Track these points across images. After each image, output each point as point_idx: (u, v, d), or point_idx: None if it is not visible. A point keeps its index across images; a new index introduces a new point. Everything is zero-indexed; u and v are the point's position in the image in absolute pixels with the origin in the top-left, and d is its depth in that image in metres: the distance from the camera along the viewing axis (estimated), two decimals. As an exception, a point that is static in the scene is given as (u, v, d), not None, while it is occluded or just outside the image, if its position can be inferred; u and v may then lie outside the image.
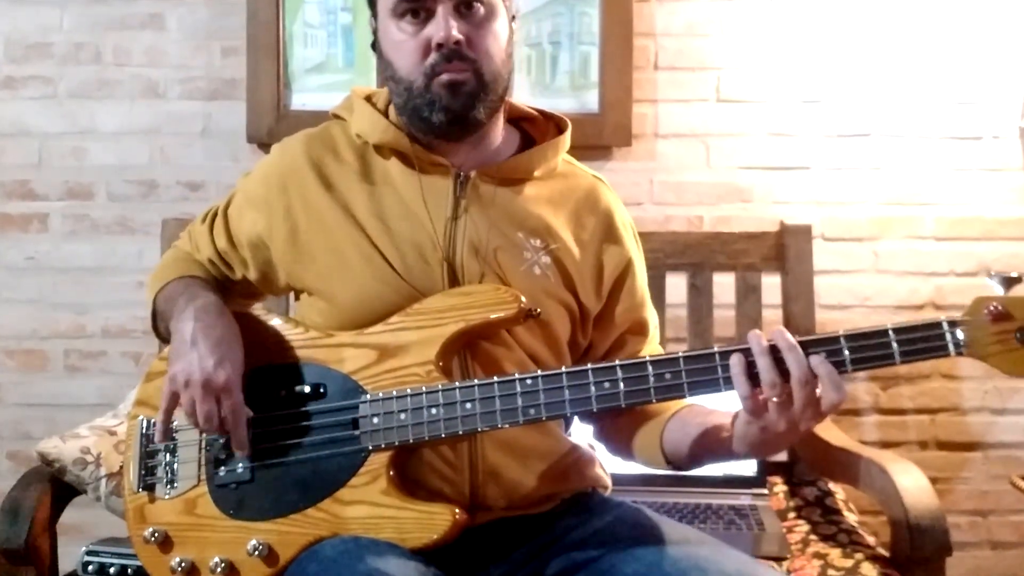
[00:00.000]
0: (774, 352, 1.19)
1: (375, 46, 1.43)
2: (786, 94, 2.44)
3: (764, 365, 1.19)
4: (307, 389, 1.36)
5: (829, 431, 2.10)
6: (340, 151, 1.45)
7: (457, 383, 1.30)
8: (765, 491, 2.03)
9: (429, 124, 1.37)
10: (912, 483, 1.75)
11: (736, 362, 1.20)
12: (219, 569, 1.34)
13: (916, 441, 2.48)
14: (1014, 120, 2.44)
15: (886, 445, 2.40)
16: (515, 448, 1.37)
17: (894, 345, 1.20)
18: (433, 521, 1.28)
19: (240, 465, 1.37)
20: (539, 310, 1.36)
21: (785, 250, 2.23)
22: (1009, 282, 1.20)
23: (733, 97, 2.45)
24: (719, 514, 1.93)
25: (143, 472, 1.42)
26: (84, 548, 1.73)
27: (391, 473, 1.31)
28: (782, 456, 2.20)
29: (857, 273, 2.46)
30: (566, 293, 1.42)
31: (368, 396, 1.33)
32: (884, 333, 1.20)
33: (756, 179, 2.45)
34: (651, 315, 1.53)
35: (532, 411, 1.28)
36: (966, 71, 2.43)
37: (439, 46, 1.33)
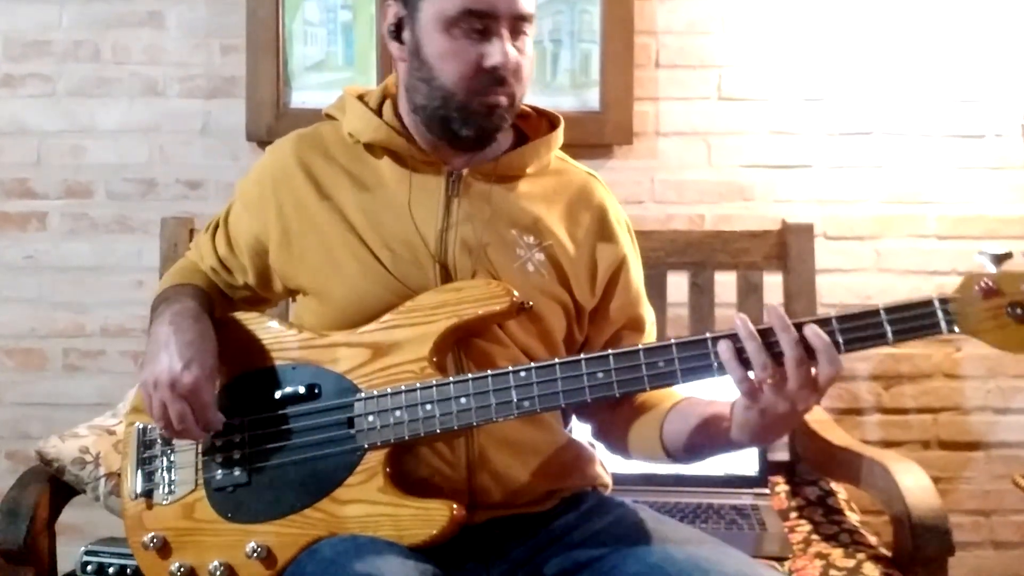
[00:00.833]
0: (766, 335, 1.19)
1: (398, 36, 1.39)
2: (788, 92, 2.44)
3: (752, 349, 1.18)
4: (302, 390, 1.36)
5: (831, 431, 2.09)
6: (330, 151, 1.44)
7: (451, 378, 1.30)
8: (767, 491, 2.02)
9: (453, 134, 1.36)
10: (914, 483, 1.74)
11: (725, 348, 1.20)
12: (218, 572, 1.34)
13: (918, 440, 2.47)
14: (1016, 118, 2.43)
15: (888, 445, 2.39)
16: (514, 445, 1.37)
17: (886, 325, 1.20)
18: (430, 517, 1.28)
19: (237, 468, 1.37)
20: (531, 303, 1.36)
21: (787, 249, 2.22)
22: (999, 258, 1.20)
23: (735, 95, 2.44)
24: (720, 514, 1.92)
25: (141, 478, 1.43)
26: (83, 548, 1.73)
27: (387, 470, 1.31)
28: (784, 455, 2.20)
29: (859, 272, 2.46)
30: (560, 290, 1.42)
31: (363, 395, 1.33)
32: (875, 313, 1.20)
33: (758, 177, 2.45)
34: (647, 311, 1.52)
35: (527, 403, 1.28)
36: (968, 69, 2.43)
37: (493, 68, 1.32)
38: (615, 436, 1.46)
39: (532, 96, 1.42)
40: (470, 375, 1.30)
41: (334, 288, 1.39)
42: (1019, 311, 1.18)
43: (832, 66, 2.43)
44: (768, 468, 2.06)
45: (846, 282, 2.45)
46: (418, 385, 1.31)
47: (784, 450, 2.22)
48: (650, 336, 1.52)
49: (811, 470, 2.13)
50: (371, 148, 1.43)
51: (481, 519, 1.35)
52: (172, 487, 1.40)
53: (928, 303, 1.20)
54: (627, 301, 1.48)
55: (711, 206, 2.45)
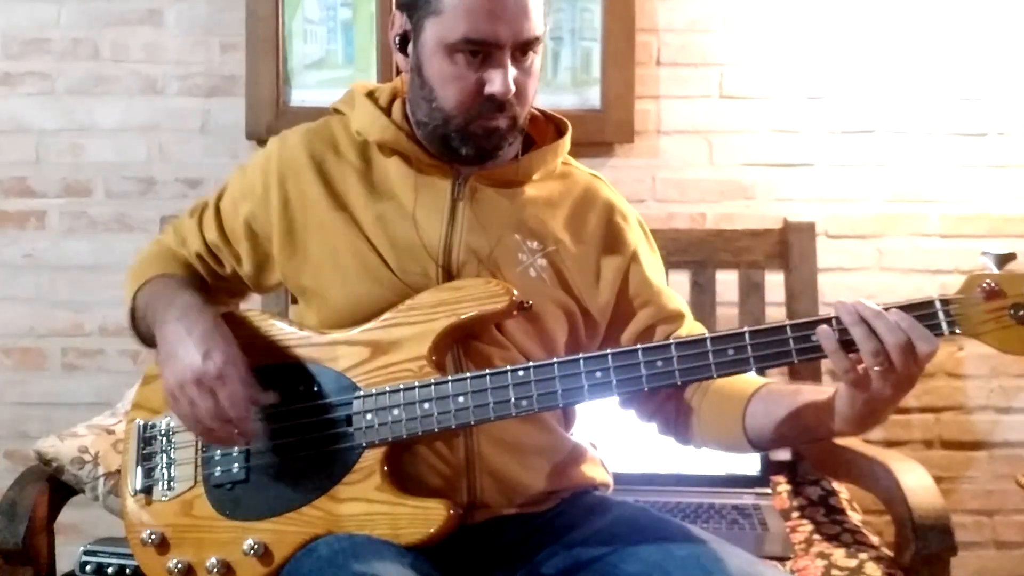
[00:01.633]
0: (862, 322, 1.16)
1: (403, 48, 1.38)
2: (790, 90, 2.43)
3: (860, 335, 1.15)
4: (300, 388, 1.36)
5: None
6: (341, 147, 1.44)
7: (449, 377, 1.30)
8: (768, 490, 2.02)
9: (454, 152, 1.36)
10: (917, 482, 1.74)
11: (828, 335, 1.17)
12: (215, 570, 1.34)
13: (921, 440, 2.47)
14: (1019, 116, 2.42)
15: (890, 444, 2.37)
16: (513, 446, 1.36)
17: None
18: (428, 516, 1.28)
19: (236, 465, 1.37)
20: (530, 302, 1.35)
21: (788, 248, 2.22)
22: (1003, 259, 1.19)
23: (736, 93, 2.43)
24: (722, 514, 1.92)
25: (140, 475, 1.43)
26: (82, 548, 1.72)
27: (385, 469, 1.31)
28: (785, 455, 2.19)
29: (861, 271, 2.45)
30: (563, 295, 1.41)
31: (361, 393, 1.33)
32: None
33: (759, 176, 2.44)
34: (676, 303, 1.48)
35: (524, 403, 1.28)
36: (971, 67, 2.42)
37: (492, 96, 1.31)
38: (675, 420, 1.43)
39: (533, 95, 1.42)
40: (468, 374, 1.30)
41: (336, 287, 1.38)
42: (1022, 313, 1.17)
43: (834, 64, 2.42)
44: (770, 467, 2.06)
45: (848, 281, 2.44)
46: (416, 384, 1.30)
47: (786, 450, 2.21)
48: (689, 320, 1.48)
49: (813, 470, 2.13)
50: (379, 146, 1.42)
51: (480, 519, 1.35)
52: (171, 483, 1.40)
53: (929, 304, 1.19)
54: (648, 297, 1.45)
55: (712, 205, 2.44)
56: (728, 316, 2.24)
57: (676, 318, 1.47)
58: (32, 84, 2.44)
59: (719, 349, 1.24)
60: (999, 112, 2.42)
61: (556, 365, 1.28)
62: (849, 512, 1.97)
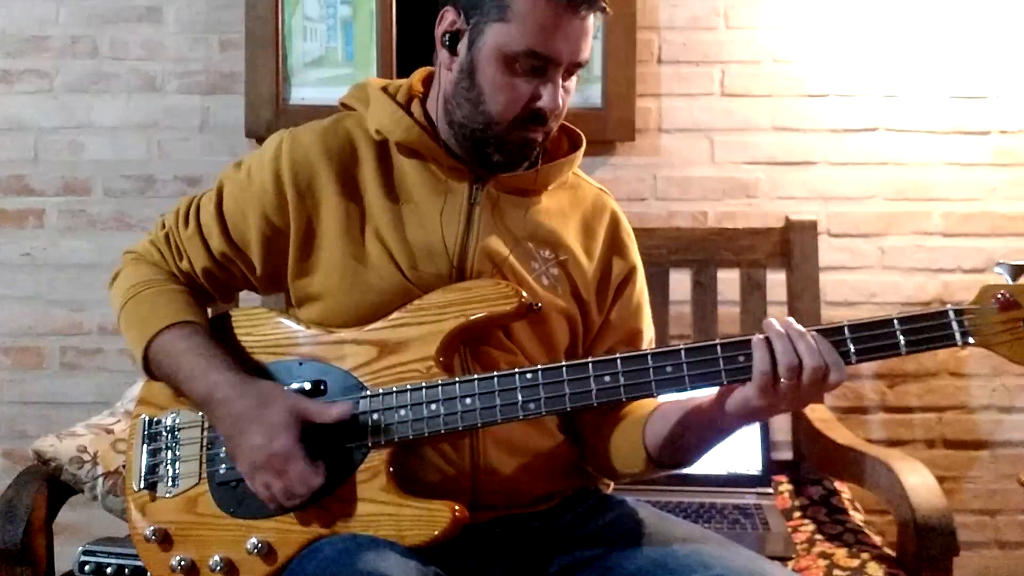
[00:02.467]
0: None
1: (451, 46, 1.35)
2: (791, 88, 2.43)
3: (781, 348, 1.18)
4: (307, 386, 1.35)
5: (835, 429, 2.08)
6: (359, 147, 1.41)
7: (457, 379, 1.30)
8: (770, 490, 2.02)
9: (484, 156, 1.37)
10: (919, 482, 1.74)
11: (760, 343, 1.19)
12: (218, 568, 1.33)
13: (923, 440, 2.47)
14: (1022, 115, 2.42)
15: (893, 444, 2.38)
16: (516, 446, 1.36)
17: (899, 336, 1.19)
18: (432, 518, 1.27)
19: (240, 463, 1.36)
20: (539, 305, 1.35)
21: (790, 246, 2.22)
22: (1017, 270, 1.19)
23: (738, 91, 2.43)
24: (723, 513, 1.91)
25: (145, 470, 1.42)
26: (80, 548, 1.72)
27: (391, 470, 1.30)
28: (787, 455, 2.19)
29: (863, 270, 2.45)
30: (572, 304, 1.41)
31: (368, 392, 1.32)
32: (889, 323, 1.20)
33: (761, 174, 2.44)
34: (647, 327, 1.50)
35: (532, 406, 1.27)
36: (974, 65, 2.42)
37: (540, 110, 1.32)
38: (599, 455, 1.43)
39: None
40: (476, 376, 1.29)
41: (350, 288, 1.37)
42: (1036, 324, 1.17)
43: (836, 62, 2.42)
44: (771, 467, 2.05)
45: (850, 280, 2.44)
46: (423, 384, 1.30)
47: (787, 449, 2.21)
48: None
49: (815, 469, 2.13)
50: (399, 146, 1.41)
51: (483, 519, 1.35)
52: (176, 480, 1.40)
53: (943, 314, 1.19)
54: (627, 314, 1.47)
55: (714, 203, 2.44)
56: (730, 316, 2.24)
57: (638, 343, 1.48)
58: (31, 82, 2.43)
59: (729, 356, 1.23)
60: (1002, 110, 2.42)
61: (564, 368, 1.27)
62: (851, 512, 1.97)
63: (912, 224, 2.44)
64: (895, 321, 1.19)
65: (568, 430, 1.44)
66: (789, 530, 1.87)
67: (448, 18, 1.36)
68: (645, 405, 1.38)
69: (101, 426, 1.88)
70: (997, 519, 2.49)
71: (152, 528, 1.38)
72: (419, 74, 1.46)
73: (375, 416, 1.30)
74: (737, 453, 2.01)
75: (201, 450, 1.39)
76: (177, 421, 1.41)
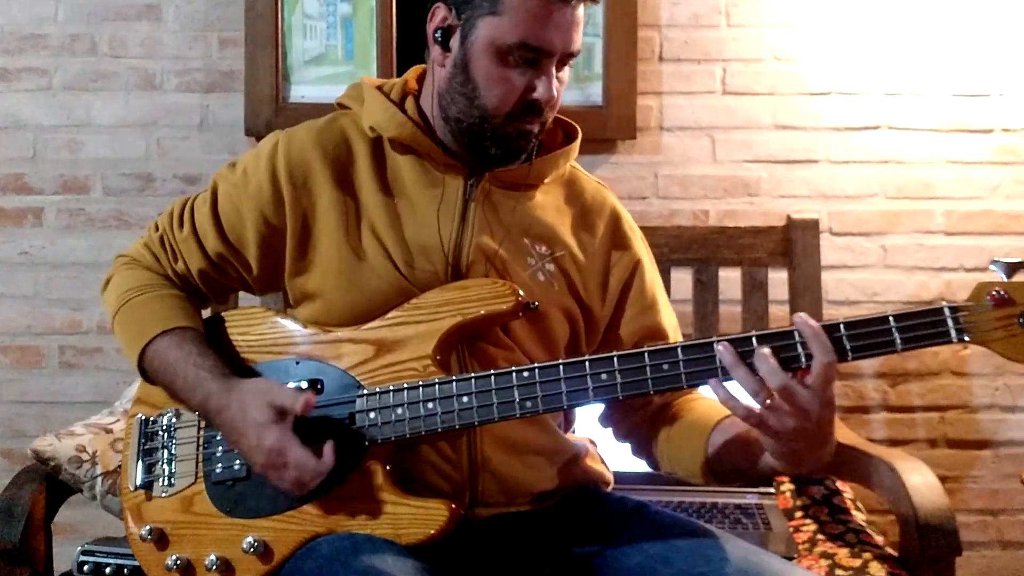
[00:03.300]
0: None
1: (443, 42, 1.36)
2: (793, 87, 2.42)
3: (740, 376, 1.18)
4: (304, 385, 1.35)
5: (837, 429, 2.06)
6: (354, 145, 1.42)
7: (454, 377, 1.29)
8: (772, 490, 2.01)
9: (482, 150, 1.37)
10: (921, 482, 1.74)
11: (719, 386, 1.19)
12: (215, 567, 1.33)
13: (925, 439, 2.46)
14: (1025, 113, 2.42)
15: (895, 443, 2.38)
16: (514, 444, 1.36)
17: (895, 333, 1.19)
18: (429, 516, 1.27)
19: (237, 462, 1.37)
20: (536, 303, 1.35)
21: (792, 245, 2.22)
22: (1013, 268, 1.19)
23: (739, 89, 2.43)
24: (725, 513, 1.91)
25: (141, 470, 1.42)
26: (79, 548, 1.71)
27: (388, 468, 1.30)
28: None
29: (865, 268, 2.44)
30: (570, 300, 1.41)
31: (365, 391, 1.32)
32: (884, 320, 1.19)
33: (762, 173, 2.43)
34: (668, 319, 1.49)
35: (529, 404, 1.27)
36: (976, 63, 2.41)
37: (535, 101, 1.33)
38: (643, 443, 1.44)
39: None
40: (473, 374, 1.29)
41: (346, 286, 1.37)
42: (1032, 321, 1.17)
43: (837, 60, 2.42)
44: (773, 467, 2.04)
45: (852, 278, 2.43)
46: (420, 383, 1.30)
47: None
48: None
49: (816, 469, 2.11)
50: (393, 143, 1.41)
51: (482, 517, 1.35)
52: (172, 480, 1.40)
53: (938, 311, 1.18)
54: (643, 308, 1.46)
55: (715, 201, 2.43)
56: (731, 314, 2.23)
57: (663, 337, 1.47)
58: (29, 80, 2.42)
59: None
60: (1004, 108, 2.42)
61: (561, 367, 1.27)
62: (853, 512, 1.96)
63: (914, 223, 2.44)
64: (891, 318, 1.19)
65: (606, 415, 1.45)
66: (791, 530, 1.86)
67: (439, 14, 1.36)
68: (707, 415, 1.37)
69: (100, 425, 1.87)
70: (1000, 519, 2.48)
71: (148, 528, 1.38)
72: (413, 71, 1.46)
73: (372, 415, 1.30)
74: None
75: (197, 449, 1.39)
76: (173, 420, 1.41)
